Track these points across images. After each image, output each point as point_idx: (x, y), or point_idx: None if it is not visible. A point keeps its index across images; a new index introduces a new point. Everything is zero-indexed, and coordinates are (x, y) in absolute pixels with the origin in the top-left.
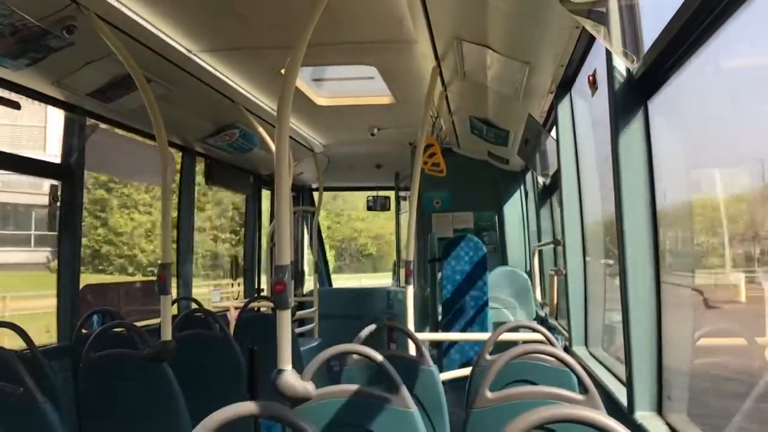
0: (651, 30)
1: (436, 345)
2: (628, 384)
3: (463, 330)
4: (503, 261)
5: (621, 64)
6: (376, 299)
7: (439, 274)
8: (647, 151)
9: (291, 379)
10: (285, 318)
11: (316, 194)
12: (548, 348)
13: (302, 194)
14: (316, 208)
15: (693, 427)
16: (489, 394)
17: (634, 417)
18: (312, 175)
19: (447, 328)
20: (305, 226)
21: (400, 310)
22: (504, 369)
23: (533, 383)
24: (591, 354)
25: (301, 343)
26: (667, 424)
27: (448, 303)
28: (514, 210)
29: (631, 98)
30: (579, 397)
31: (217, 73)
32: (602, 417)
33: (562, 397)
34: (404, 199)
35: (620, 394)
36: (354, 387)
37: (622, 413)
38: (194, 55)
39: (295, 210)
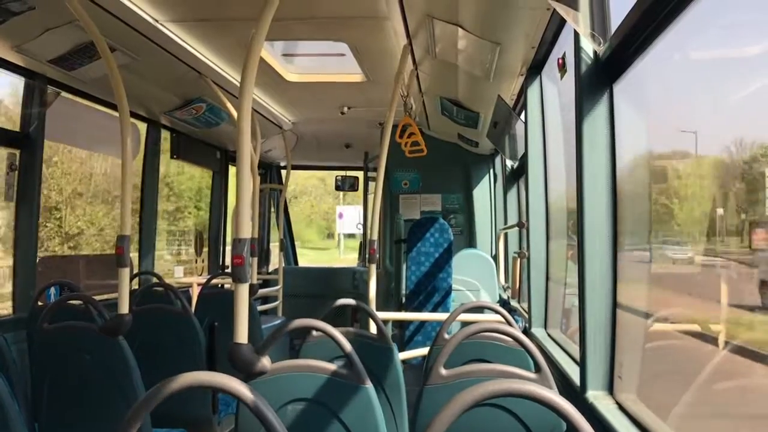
0: (620, 13)
1: (399, 326)
2: (582, 364)
3: (427, 311)
4: (470, 244)
5: (588, 47)
6: (342, 279)
7: (405, 255)
8: (610, 134)
9: (246, 353)
10: (243, 292)
11: (284, 172)
12: (503, 327)
13: (270, 172)
14: (284, 185)
15: (641, 405)
16: (443, 371)
17: (586, 396)
18: (280, 152)
19: (410, 309)
20: (272, 204)
21: (365, 290)
22: (461, 348)
23: (490, 363)
24: (549, 336)
25: (264, 321)
26: (617, 402)
27: (412, 284)
28: (482, 193)
29: (597, 81)
30: (531, 375)
31: (184, 44)
32: (545, 392)
33: (514, 376)
34: (373, 179)
35: (574, 374)
36: (309, 362)
37: (575, 392)
38: (160, 24)
39: (262, 187)
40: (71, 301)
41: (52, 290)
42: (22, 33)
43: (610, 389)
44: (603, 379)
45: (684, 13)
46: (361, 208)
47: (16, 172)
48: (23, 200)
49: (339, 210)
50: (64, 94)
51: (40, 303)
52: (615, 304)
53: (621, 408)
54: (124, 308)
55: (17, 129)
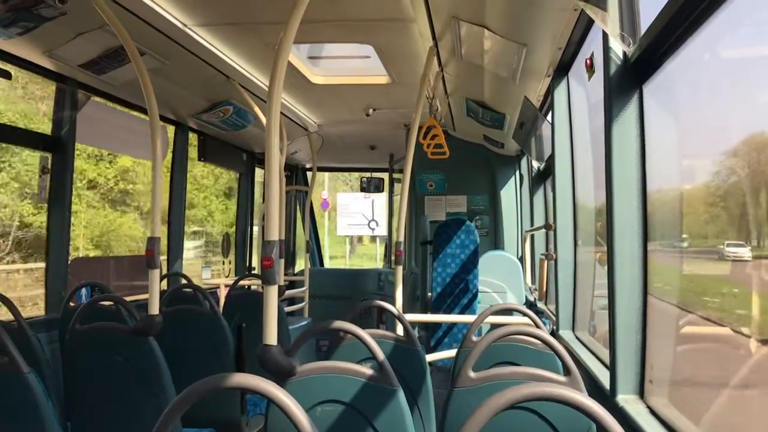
0: (649, 13)
1: (425, 327)
2: (612, 367)
3: (453, 313)
4: (496, 245)
5: (617, 48)
6: (367, 280)
7: (431, 257)
8: (640, 136)
9: (276, 354)
10: (272, 294)
11: (310, 174)
12: (532, 329)
13: (296, 174)
14: (309, 187)
15: (673, 410)
16: (472, 374)
17: (616, 400)
18: (306, 154)
19: (436, 311)
20: (298, 206)
21: (390, 292)
22: (489, 351)
23: (518, 365)
24: (577, 338)
25: (290, 322)
26: (648, 407)
27: (438, 286)
28: (508, 195)
29: (626, 82)
30: (561, 378)
31: (212, 48)
32: (579, 396)
33: (544, 379)
34: (398, 181)
35: (604, 377)
36: (338, 363)
37: (605, 396)
38: (189, 28)
39: (287, 189)
40: (102, 302)
41: (84, 291)
42: (54, 38)
43: (641, 393)
44: (633, 382)
45: (717, 12)
46: (371, 197)
47: (49, 174)
48: (55, 202)
49: (324, 195)
50: (94, 97)
51: (71, 304)
52: (646, 307)
53: (652, 412)
54: (155, 309)
55: (49, 132)
